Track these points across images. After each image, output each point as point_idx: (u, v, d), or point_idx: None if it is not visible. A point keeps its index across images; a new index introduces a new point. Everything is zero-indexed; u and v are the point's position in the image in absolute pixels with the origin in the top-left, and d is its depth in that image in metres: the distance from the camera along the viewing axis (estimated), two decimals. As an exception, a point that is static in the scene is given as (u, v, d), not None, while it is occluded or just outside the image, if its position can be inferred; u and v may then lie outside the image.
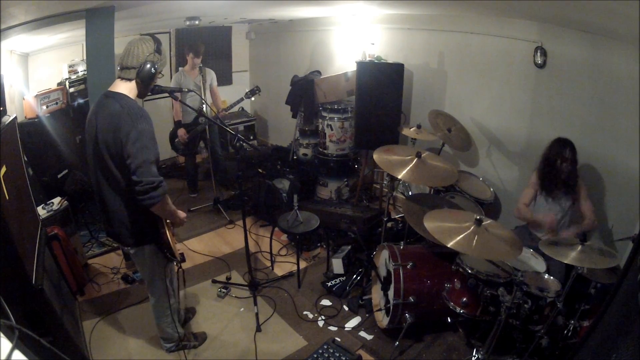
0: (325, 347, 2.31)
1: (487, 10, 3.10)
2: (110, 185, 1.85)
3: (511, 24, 3.11)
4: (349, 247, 3.33)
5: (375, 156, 2.59)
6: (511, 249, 1.96)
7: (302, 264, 3.33)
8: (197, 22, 4.04)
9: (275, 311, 2.85)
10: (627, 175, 2.64)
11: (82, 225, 3.58)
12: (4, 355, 0.75)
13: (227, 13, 4.34)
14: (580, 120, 2.87)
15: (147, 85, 1.86)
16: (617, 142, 2.70)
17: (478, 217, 2.03)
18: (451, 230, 2.02)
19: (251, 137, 5.73)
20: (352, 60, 4.12)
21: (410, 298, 2.41)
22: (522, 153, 3.31)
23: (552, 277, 2.31)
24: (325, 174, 4.23)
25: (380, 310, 2.69)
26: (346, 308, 2.89)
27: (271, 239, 3.44)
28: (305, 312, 2.85)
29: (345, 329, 2.71)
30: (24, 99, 3.62)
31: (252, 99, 4.17)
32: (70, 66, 4.07)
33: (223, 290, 3.03)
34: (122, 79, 1.82)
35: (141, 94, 1.88)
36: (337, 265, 3.18)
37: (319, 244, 3.64)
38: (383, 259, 2.77)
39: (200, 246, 3.66)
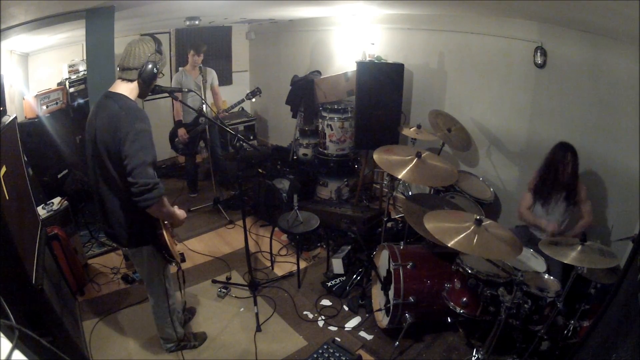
0: (325, 347, 2.31)
1: (487, 10, 3.10)
2: (108, 185, 1.85)
3: (511, 24, 3.11)
4: (349, 247, 3.33)
5: (375, 156, 2.59)
6: (511, 249, 1.96)
7: (302, 264, 3.33)
8: (197, 22, 4.04)
9: (275, 311, 2.85)
10: (627, 175, 2.64)
11: (82, 225, 3.58)
12: (4, 355, 0.75)
13: (227, 13, 4.34)
14: (580, 120, 2.87)
15: (148, 85, 1.85)
16: (617, 142, 2.70)
17: (478, 217, 2.03)
18: (451, 230, 2.02)
19: (251, 137, 5.73)
20: (352, 60, 4.12)
21: (410, 298, 2.41)
22: (522, 153, 3.31)
23: (552, 277, 2.31)
24: (325, 174, 4.23)
25: (380, 310, 2.69)
26: (346, 308, 2.89)
27: (271, 239, 3.44)
28: (305, 312, 2.85)
29: (345, 329, 2.71)
30: (24, 99, 3.62)
31: (253, 100, 4.17)
32: (70, 66, 4.07)
33: (223, 290, 3.03)
34: (123, 79, 1.81)
35: (142, 95, 1.88)
36: (337, 265, 3.18)
37: (319, 244, 3.64)
38: (383, 259, 2.77)
39: (200, 246, 3.66)
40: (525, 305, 2.11)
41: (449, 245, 1.93)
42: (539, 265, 2.47)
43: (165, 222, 2.01)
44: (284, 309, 2.89)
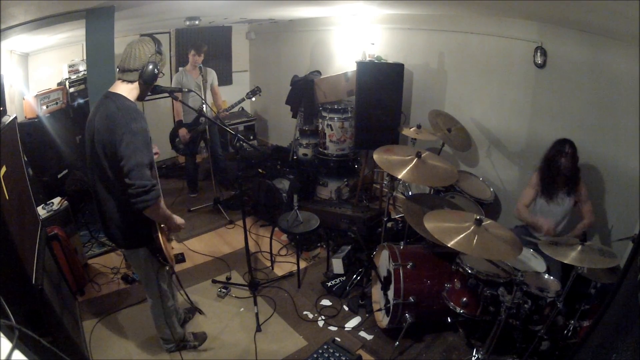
0: (325, 347, 2.30)
1: (487, 10, 3.10)
2: (105, 186, 1.84)
3: (511, 24, 3.11)
4: (349, 247, 3.33)
5: (375, 156, 2.59)
6: (511, 249, 1.96)
7: (302, 264, 3.33)
8: (197, 22, 4.04)
9: (275, 311, 2.85)
10: (627, 175, 2.64)
11: (82, 225, 3.58)
12: (4, 355, 0.75)
13: (227, 13, 4.34)
14: (580, 120, 2.87)
15: (149, 86, 1.85)
16: (617, 142, 2.70)
17: (478, 217, 2.03)
18: (451, 230, 2.02)
19: (251, 137, 5.73)
20: (352, 60, 4.12)
21: (410, 298, 2.41)
22: (522, 153, 3.31)
23: (552, 277, 2.31)
24: (325, 174, 4.23)
25: (380, 310, 2.69)
26: (346, 308, 2.89)
27: (271, 239, 3.44)
28: (305, 312, 2.85)
29: (345, 329, 2.71)
30: (24, 99, 3.62)
31: (253, 99, 4.17)
32: (70, 66, 4.07)
33: (223, 290, 3.03)
34: (123, 80, 1.80)
35: (141, 96, 1.87)
36: (337, 265, 3.19)
37: (319, 244, 3.64)
38: (383, 259, 2.77)
39: (200, 246, 3.66)
40: (525, 305, 2.11)
41: (449, 245, 1.93)
42: (539, 265, 2.47)
43: (162, 225, 2.00)
44: (284, 309, 2.89)
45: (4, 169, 1.80)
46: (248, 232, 2.90)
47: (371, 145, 3.55)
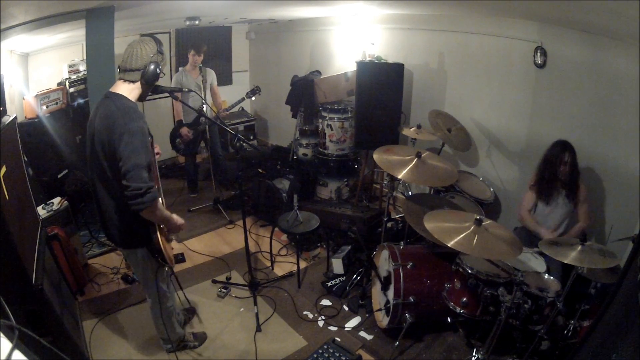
0: (325, 347, 2.30)
1: (487, 10, 3.10)
2: (104, 187, 1.84)
3: (511, 24, 3.11)
4: (349, 247, 3.33)
5: (375, 156, 2.59)
6: (511, 249, 1.96)
7: (302, 264, 3.33)
8: (197, 22, 4.04)
9: (275, 311, 2.85)
10: (627, 175, 2.64)
11: (82, 225, 3.58)
12: (4, 355, 0.75)
13: (227, 13, 4.34)
14: (580, 120, 2.87)
15: (150, 86, 1.85)
16: (617, 142, 2.70)
17: (478, 217, 2.03)
18: (451, 230, 2.02)
19: (251, 137, 5.73)
20: (352, 60, 4.12)
21: (410, 298, 2.41)
22: (522, 153, 3.31)
23: (552, 277, 2.31)
24: (325, 174, 4.23)
25: (380, 310, 2.69)
26: (346, 308, 2.89)
27: (271, 239, 3.44)
28: (305, 312, 2.85)
29: (345, 329, 2.71)
30: (24, 99, 3.62)
31: (253, 98, 4.17)
32: (70, 66, 4.07)
33: (223, 290, 3.03)
34: (124, 80, 1.80)
35: (142, 96, 1.86)
36: (337, 265, 3.18)
37: (319, 244, 3.64)
38: (383, 259, 2.77)
39: (200, 246, 3.66)
40: (525, 305, 2.11)
41: (449, 245, 1.93)
42: (539, 265, 2.47)
43: (162, 226, 2.00)
44: (284, 309, 2.89)
45: (4, 169, 1.80)
46: (248, 232, 2.90)
47: (371, 145, 3.55)
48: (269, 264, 3.40)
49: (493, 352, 2.19)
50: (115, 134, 1.67)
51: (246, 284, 3.05)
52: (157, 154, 2.24)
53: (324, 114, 4.07)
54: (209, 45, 4.52)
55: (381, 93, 3.65)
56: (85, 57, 3.93)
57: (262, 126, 6.19)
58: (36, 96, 3.62)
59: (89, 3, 2.44)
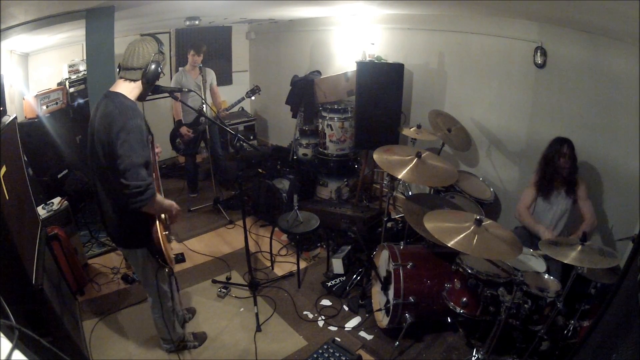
0: (325, 347, 2.31)
1: (487, 10, 3.10)
2: (105, 186, 1.85)
3: (511, 24, 3.11)
4: (349, 247, 3.33)
5: (375, 156, 2.59)
6: (511, 249, 1.96)
7: (302, 264, 3.33)
8: (197, 22, 4.04)
9: (275, 311, 2.85)
10: (627, 175, 2.64)
11: (82, 225, 3.58)
12: (4, 355, 0.75)
13: (227, 13, 4.34)
14: (580, 120, 2.87)
15: (151, 85, 1.85)
16: (617, 141, 2.70)
17: (478, 217, 2.03)
18: (451, 230, 2.02)
19: (251, 137, 5.73)
20: (352, 60, 4.12)
21: (410, 298, 2.41)
22: (522, 153, 3.31)
23: (552, 277, 2.31)
24: (325, 174, 4.23)
25: (380, 310, 2.69)
26: (346, 308, 2.89)
27: (271, 239, 3.44)
28: (305, 312, 2.85)
29: (345, 329, 2.71)
30: (24, 99, 3.63)
31: (253, 98, 4.17)
32: (70, 66, 4.07)
33: (223, 290, 3.03)
34: (125, 79, 1.80)
35: (142, 96, 1.86)
36: (337, 265, 3.19)
37: (319, 244, 3.64)
38: (383, 259, 2.77)
39: (200, 246, 3.66)
40: (525, 305, 2.11)
41: (449, 245, 1.93)
42: (539, 265, 2.47)
43: (162, 227, 1.99)
44: (284, 309, 2.89)
45: (4, 169, 1.80)
46: (248, 232, 2.90)
47: (371, 145, 3.55)
48: (269, 264, 3.40)
49: (493, 352, 2.19)
50: (113, 132, 1.67)
51: (246, 284, 3.05)
52: (158, 153, 2.24)
53: (324, 114, 4.07)
54: (209, 45, 4.52)
55: (381, 93, 3.65)
56: (85, 57, 3.93)
57: (262, 126, 6.19)
58: (36, 96, 3.63)
59: (89, 3, 2.44)
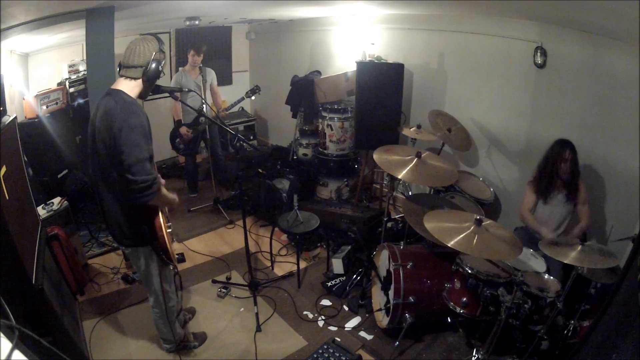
0: (325, 347, 2.30)
1: (487, 10, 3.10)
2: (107, 184, 1.85)
3: (511, 24, 3.11)
4: (349, 247, 3.33)
5: (375, 156, 2.59)
6: (511, 249, 1.96)
7: (302, 264, 3.33)
8: (197, 22, 4.04)
9: (275, 311, 2.85)
10: (627, 175, 2.64)
11: (82, 225, 3.58)
12: (4, 355, 0.75)
13: (227, 13, 4.34)
14: (580, 120, 2.87)
15: (151, 84, 1.85)
16: (617, 142, 2.70)
17: (478, 217, 2.03)
18: (451, 230, 2.02)
19: (251, 137, 5.73)
20: (352, 60, 4.12)
21: (410, 298, 2.41)
22: (522, 153, 3.31)
23: (552, 277, 2.31)
24: (325, 174, 4.23)
25: (380, 310, 2.69)
26: (346, 308, 2.89)
27: (271, 239, 3.44)
28: (305, 312, 2.85)
29: (345, 329, 2.71)
30: (24, 99, 3.63)
31: (253, 98, 4.17)
32: (70, 66, 4.07)
33: (223, 290, 3.03)
34: (126, 77, 1.80)
35: (143, 94, 1.86)
36: (337, 265, 3.19)
37: (319, 244, 3.64)
38: (383, 259, 2.77)
39: (200, 246, 3.66)
40: (525, 305, 2.11)
41: (449, 245, 1.93)
42: (539, 265, 2.47)
43: (166, 224, 2.00)
44: (284, 309, 2.89)
45: (4, 169, 1.80)
46: (248, 232, 2.90)
47: (371, 145, 3.55)
48: (269, 264, 3.40)
49: (493, 352, 2.19)
50: (115, 128, 1.68)
51: (246, 284, 3.05)
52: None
53: (324, 114, 4.07)
54: (209, 45, 4.52)
55: (381, 93, 3.65)
56: (85, 57, 3.93)
57: (262, 126, 6.19)
58: (36, 96, 3.63)
59: (89, 3, 2.44)
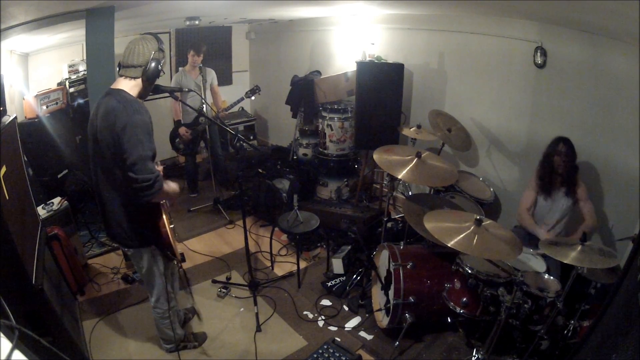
0: (325, 347, 2.30)
1: (487, 10, 3.10)
2: (109, 185, 1.84)
3: (511, 24, 3.11)
4: (349, 247, 3.33)
5: (375, 156, 2.59)
6: (511, 249, 1.96)
7: (302, 264, 3.33)
8: (197, 22, 4.04)
9: (275, 311, 2.85)
10: (627, 175, 2.64)
11: (82, 225, 3.58)
12: (4, 355, 0.75)
13: (227, 13, 4.34)
14: (580, 120, 2.87)
15: (151, 83, 1.85)
16: (617, 141, 2.70)
17: (478, 217, 2.03)
18: (451, 230, 2.02)
19: (251, 137, 5.73)
20: (352, 60, 4.12)
21: (410, 298, 2.41)
22: (522, 153, 3.31)
23: (552, 277, 2.31)
24: (325, 174, 4.23)
25: (380, 310, 2.69)
26: (346, 308, 2.89)
27: (271, 239, 3.44)
28: (305, 312, 2.85)
29: (345, 329, 2.71)
30: (24, 99, 3.63)
31: (253, 98, 4.16)
32: (70, 66, 4.07)
33: (223, 290, 3.03)
34: (126, 77, 1.80)
35: (143, 94, 1.86)
36: (337, 265, 3.19)
37: (319, 244, 3.64)
38: (383, 259, 2.77)
39: (200, 246, 3.66)
40: (525, 305, 2.11)
41: (449, 245, 1.93)
42: (539, 265, 2.47)
43: (169, 221, 2.01)
44: (284, 309, 2.89)
45: (4, 169, 1.80)
46: (248, 232, 2.90)
47: (371, 145, 3.55)
48: (269, 264, 3.40)
49: (493, 352, 2.19)
50: (118, 127, 1.68)
51: (246, 284, 3.05)
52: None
53: (324, 114, 4.07)
54: (209, 45, 4.52)
55: (381, 93, 3.66)
56: (85, 57, 3.93)
57: (262, 126, 6.19)
58: (36, 96, 3.63)
59: (89, 3, 2.44)
